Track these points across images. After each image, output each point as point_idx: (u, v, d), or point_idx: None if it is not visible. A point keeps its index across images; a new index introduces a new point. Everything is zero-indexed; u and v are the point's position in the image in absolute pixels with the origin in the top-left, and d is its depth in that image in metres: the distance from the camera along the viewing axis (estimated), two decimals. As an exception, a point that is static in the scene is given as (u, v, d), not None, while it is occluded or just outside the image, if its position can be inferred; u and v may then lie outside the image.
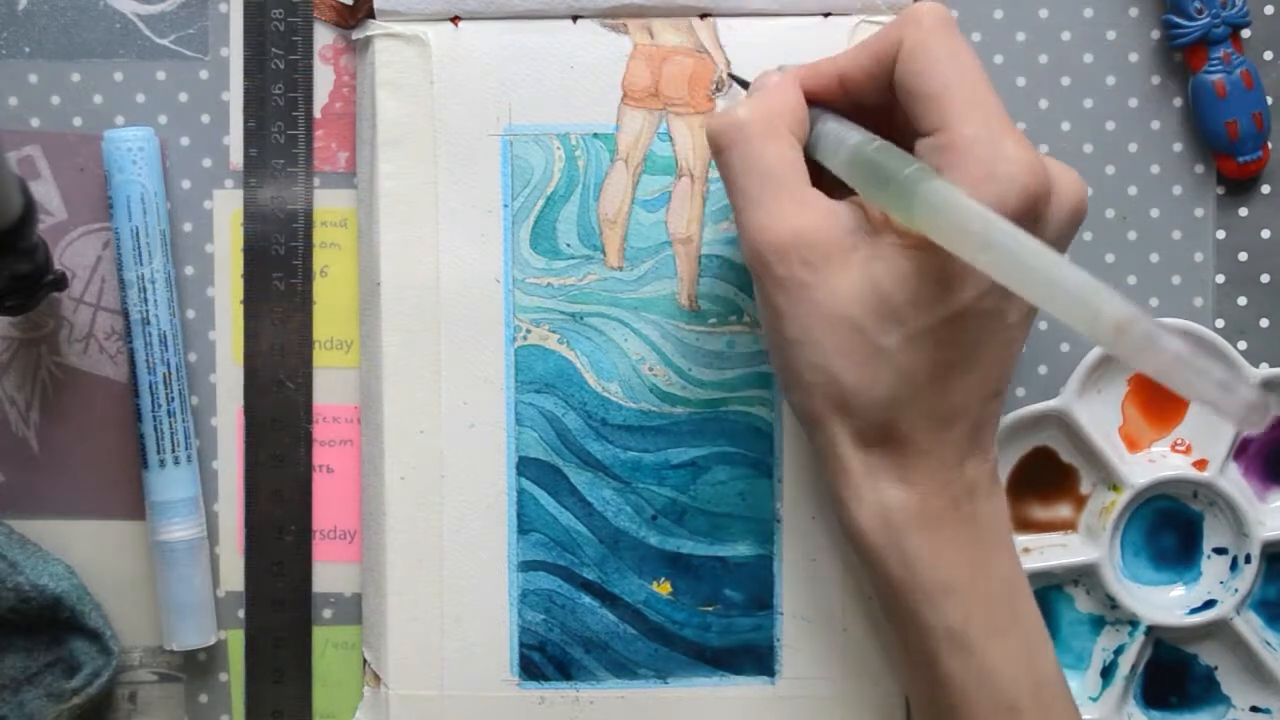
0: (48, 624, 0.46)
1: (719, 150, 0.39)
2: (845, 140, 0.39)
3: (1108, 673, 0.48)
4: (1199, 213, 0.48)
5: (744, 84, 0.45)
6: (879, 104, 0.40)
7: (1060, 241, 0.39)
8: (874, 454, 0.39)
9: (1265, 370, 0.47)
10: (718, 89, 0.46)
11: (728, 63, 0.46)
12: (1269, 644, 0.48)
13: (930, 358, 0.37)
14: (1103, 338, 0.30)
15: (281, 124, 0.47)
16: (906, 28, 0.39)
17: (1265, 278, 0.48)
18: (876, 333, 0.37)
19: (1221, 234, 0.48)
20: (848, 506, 0.40)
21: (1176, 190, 0.48)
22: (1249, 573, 0.47)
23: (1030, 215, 0.37)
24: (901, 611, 0.40)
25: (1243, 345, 0.48)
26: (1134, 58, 0.48)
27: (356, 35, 0.46)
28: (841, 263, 0.37)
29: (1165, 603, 0.48)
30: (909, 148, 0.38)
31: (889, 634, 0.42)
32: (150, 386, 0.46)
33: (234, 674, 0.48)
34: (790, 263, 0.38)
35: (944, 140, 0.37)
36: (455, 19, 0.46)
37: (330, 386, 0.48)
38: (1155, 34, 0.47)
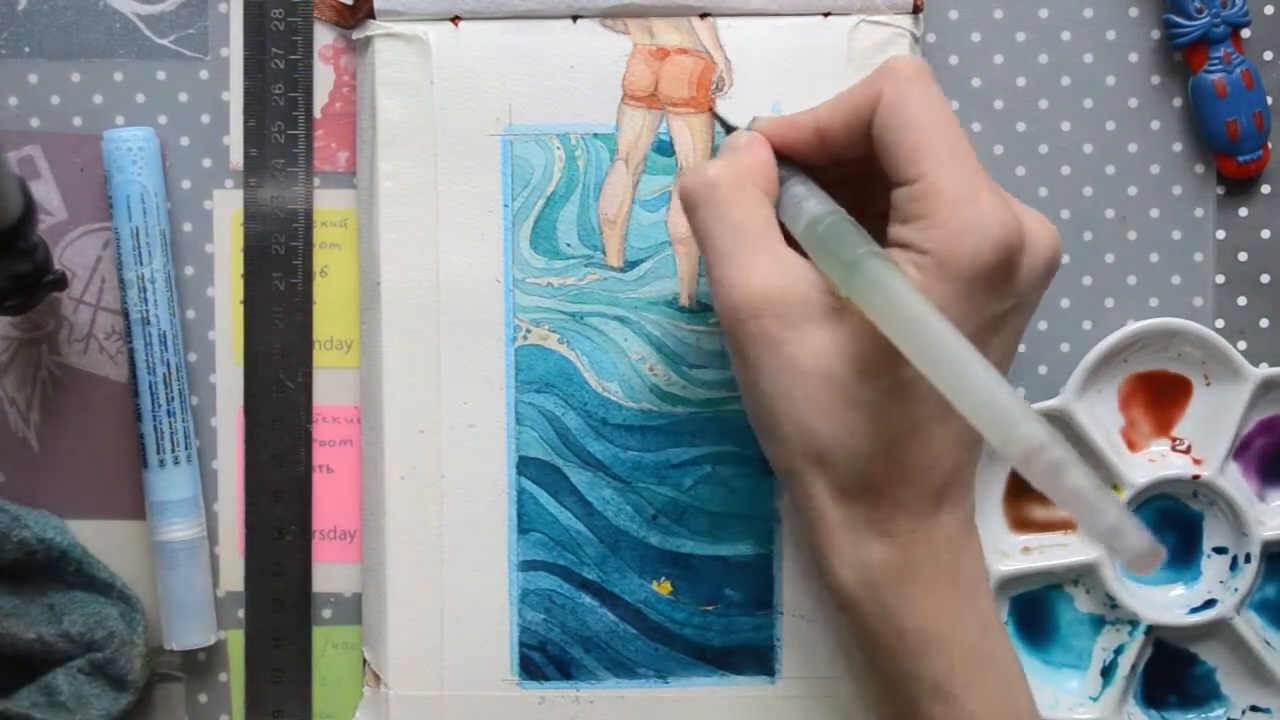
0: (66, 583, 0.46)
1: (690, 208, 0.39)
2: (804, 208, 0.39)
3: (1108, 673, 0.48)
4: (1199, 213, 0.48)
5: (726, 126, 0.45)
6: (856, 155, 0.40)
7: (1034, 293, 0.39)
8: (853, 507, 0.38)
9: (1265, 370, 0.47)
10: (718, 88, 0.46)
11: (713, 100, 0.45)
12: (1269, 644, 0.48)
13: (907, 410, 0.37)
14: (1011, 455, 0.31)
15: (281, 124, 0.47)
16: (885, 80, 0.39)
17: (1265, 278, 0.48)
18: (853, 387, 0.37)
19: (1221, 234, 0.48)
20: (828, 560, 0.39)
21: (1176, 190, 0.48)
22: (1249, 572, 0.47)
23: (1006, 267, 0.37)
24: (884, 662, 0.39)
25: (1243, 345, 0.48)
26: (1134, 58, 0.48)
27: (356, 35, 0.46)
28: (815, 319, 0.37)
29: (1165, 602, 0.48)
30: (885, 198, 0.38)
31: (869, 683, 0.42)
32: (150, 386, 0.46)
33: (234, 674, 0.48)
34: (763, 319, 0.38)
35: (920, 190, 0.37)
36: (455, 19, 0.46)
37: (330, 386, 0.48)
38: (1155, 34, 0.47)
